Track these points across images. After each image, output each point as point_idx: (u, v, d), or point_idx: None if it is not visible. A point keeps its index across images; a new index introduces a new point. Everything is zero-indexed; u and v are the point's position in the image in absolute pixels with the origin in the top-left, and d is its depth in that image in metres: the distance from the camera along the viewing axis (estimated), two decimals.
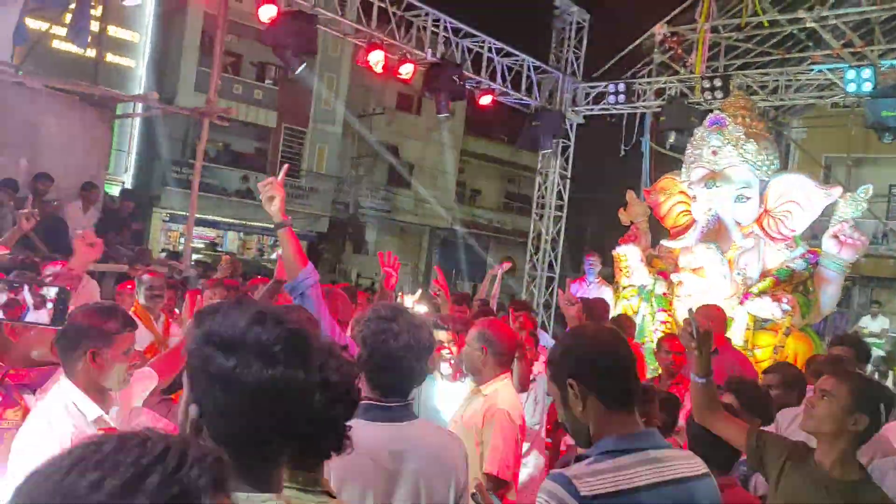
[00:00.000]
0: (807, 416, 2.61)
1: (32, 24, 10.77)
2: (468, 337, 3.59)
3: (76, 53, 11.73)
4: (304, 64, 9.06)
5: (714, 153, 8.00)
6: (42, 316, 1.49)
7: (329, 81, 24.14)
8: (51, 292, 1.48)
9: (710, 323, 5.50)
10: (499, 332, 3.52)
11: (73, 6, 10.09)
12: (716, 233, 8.13)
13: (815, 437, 2.62)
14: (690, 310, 3.06)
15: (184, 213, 15.19)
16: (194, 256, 13.28)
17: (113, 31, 15.45)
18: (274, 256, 24.32)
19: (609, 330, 2.11)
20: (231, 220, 22.86)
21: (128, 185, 19.35)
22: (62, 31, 11.74)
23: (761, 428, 2.95)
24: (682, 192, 8.69)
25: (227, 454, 1.24)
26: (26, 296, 1.44)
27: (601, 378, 1.89)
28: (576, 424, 1.92)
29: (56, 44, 13.46)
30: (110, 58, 16.49)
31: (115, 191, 15.84)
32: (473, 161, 29.89)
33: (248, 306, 1.37)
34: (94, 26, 10.96)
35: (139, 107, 12.72)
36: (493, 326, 3.58)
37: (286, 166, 3.31)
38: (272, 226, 3.12)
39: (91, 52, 11.07)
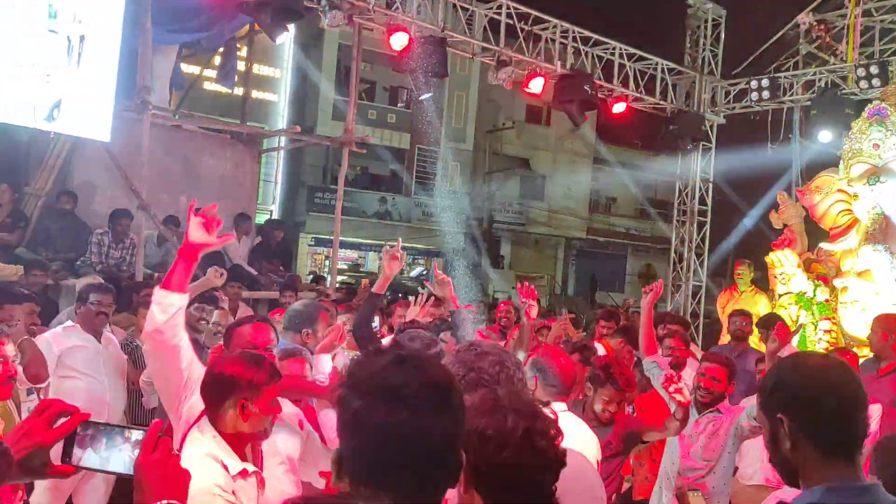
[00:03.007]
0: None
1: (186, 68, 11.68)
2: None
3: (226, 93, 12.57)
4: (432, 91, 9.30)
5: (876, 147, 7.47)
6: (118, 461, 1.38)
7: (459, 99, 24.53)
8: (135, 434, 1.39)
9: (890, 335, 5.09)
10: (552, 361, 3.21)
11: (222, 49, 10.86)
12: (882, 232, 7.54)
13: None
14: None
15: (327, 237, 15.85)
16: (339, 278, 13.81)
17: (257, 69, 16.45)
18: (414, 273, 24.92)
19: (838, 363, 1.78)
20: (371, 241, 23.60)
21: (276, 214, 20.46)
22: (213, 74, 12.63)
23: None
24: (840, 190, 8.11)
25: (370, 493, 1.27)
26: (104, 438, 1.38)
27: (819, 420, 1.63)
28: (783, 463, 1.70)
29: (207, 85, 14.49)
30: (255, 94, 17.53)
31: (263, 219, 16.79)
32: (606, 168, 29.28)
33: (394, 349, 1.37)
34: (241, 66, 11.67)
35: (283, 140, 13.42)
36: (548, 355, 3.29)
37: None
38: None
39: (238, 91, 11.80)
